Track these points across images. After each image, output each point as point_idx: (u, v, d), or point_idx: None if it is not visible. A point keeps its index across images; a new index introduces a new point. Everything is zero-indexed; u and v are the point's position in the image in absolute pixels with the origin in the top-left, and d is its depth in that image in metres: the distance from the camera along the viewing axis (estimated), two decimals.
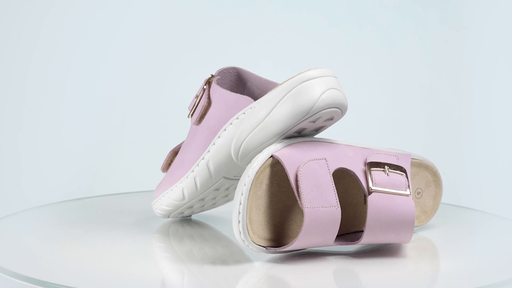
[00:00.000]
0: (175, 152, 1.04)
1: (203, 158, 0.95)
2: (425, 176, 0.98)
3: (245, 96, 0.94)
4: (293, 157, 0.88)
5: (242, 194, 0.87)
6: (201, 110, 0.99)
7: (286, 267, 0.87)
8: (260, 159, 0.89)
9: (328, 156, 0.90)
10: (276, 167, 0.89)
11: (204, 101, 0.98)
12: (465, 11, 1.56)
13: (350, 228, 0.94)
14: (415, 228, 0.97)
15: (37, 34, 1.51)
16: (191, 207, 1.01)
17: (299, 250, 0.90)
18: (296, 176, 0.87)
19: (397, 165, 0.91)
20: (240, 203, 0.87)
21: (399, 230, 0.88)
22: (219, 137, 0.94)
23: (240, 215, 0.87)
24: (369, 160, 0.90)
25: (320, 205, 0.87)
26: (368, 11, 1.56)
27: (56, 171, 1.52)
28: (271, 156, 0.89)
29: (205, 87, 0.99)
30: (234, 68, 1.03)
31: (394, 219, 0.88)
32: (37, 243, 0.96)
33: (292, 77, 0.91)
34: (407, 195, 0.89)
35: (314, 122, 0.91)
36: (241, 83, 1.02)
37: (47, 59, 1.51)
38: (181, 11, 1.54)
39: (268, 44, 1.55)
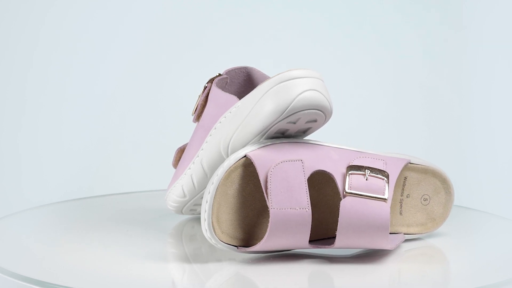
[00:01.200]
0: (182, 150, 1.04)
1: (198, 156, 0.96)
2: (433, 182, 0.96)
3: (232, 95, 0.95)
4: (267, 158, 0.88)
5: (209, 193, 0.88)
6: (198, 109, 0.99)
7: (260, 268, 0.87)
8: (232, 159, 0.89)
9: (307, 158, 0.89)
10: (251, 167, 0.89)
11: (201, 99, 0.99)
12: (465, 11, 1.55)
13: (331, 232, 0.93)
14: (422, 235, 0.96)
15: (37, 34, 1.51)
16: (197, 204, 1.01)
17: (277, 251, 0.90)
18: (266, 177, 0.87)
19: (379, 169, 0.89)
20: (207, 202, 0.88)
21: (373, 235, 0.87)
22: (211, 135, 0.95)
23: (206, 213, 0.88)
24: (351, 163, 0.89)
25: (289, 207, 0.86)
26: (368, 11, 1.56)
27: (56, 171, 1.52)
28: (245, 156, 0.89)
29: (206, 85, 1.00)
30: (245, 68, 1.03)
31: (367, 224, 0.87)
32: (37, 243, 0.96)
33: (274, 76, 0.91)
34: (383, 200, 0.87)
35: (294, 123, 0.90)
36: (250, 83, 1.02)
37: (47, 59, 1.51)
38: (181, 11, 1.54)
39: (268, 44, 1.55)
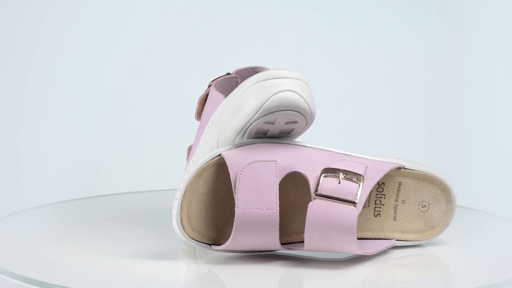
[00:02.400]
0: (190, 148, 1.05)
1: (196, 154, 0.97)
2: (432, 189, 0.94)
3: (220, 94, 0.95)
4: (241, 157, 0.88)
5: (179, 190, 0.88)
6: (198, 107, 1.00)
7: (233, 267, 0.87)
8: (206, 157, 0.89)
9: (284, 159, 0.89)
10: (226, 166, 0.89)
11: (200, 98, 1.00)
12: (465, 11, 1.55)
13: None
14: (420, 242, 0.95)
15: (37, 34, 1.51)
16: None
17: (252, 251, 0.90)
18: (237, 176, 0.87)
19: (355, 173, 0.88)
20: (176, 199, 0.88)
21: (340, 238, 0.86)
22: (205, 133, 0.96)
23: (175, 210, 0.88)
24: (328, 166, 0.89)
25: (255, 207, 0.86)
26: (368, 11, 1.56)
27: (56, 171, 1.52)
28: (220, 155, 0.89)
29: (210, 83, 1.00)
30: (256, 68, 1.03)
31: (333, 227, 0.86)
32: (37, 243, 0.96)
33: (256, 74, 0.91)
34: (352, 204, 0.86)
35: (273, 123, 0.90)
36: None
37: (47, 59, 1.51)
38: (181, 11, 1.54)
39: (268, 44, 1.55)
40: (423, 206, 0.95)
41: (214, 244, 0.90)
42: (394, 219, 0.94)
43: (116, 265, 0.88)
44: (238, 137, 0.91)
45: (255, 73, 1.01)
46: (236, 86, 1.00)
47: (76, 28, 1.52)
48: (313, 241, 0.86)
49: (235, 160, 0.88)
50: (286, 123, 0.90)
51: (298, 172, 0.88)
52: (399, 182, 0.94)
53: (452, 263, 0.92)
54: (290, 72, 0.90)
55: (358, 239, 0.93)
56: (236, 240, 0.87)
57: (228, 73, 1.02)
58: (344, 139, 1.55)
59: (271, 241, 0.87)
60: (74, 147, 1.52)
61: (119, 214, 1.08)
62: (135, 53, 1.54)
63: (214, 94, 0.97)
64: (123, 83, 1.54)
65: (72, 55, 1.52)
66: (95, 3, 1.52)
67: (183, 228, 0.89)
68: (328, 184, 0.87)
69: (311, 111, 0.90)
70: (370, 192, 0.92)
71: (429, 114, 1.57)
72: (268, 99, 0.88)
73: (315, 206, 0.86)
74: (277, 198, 0.86)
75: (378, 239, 0.94)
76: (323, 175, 0.88)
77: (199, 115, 1.01)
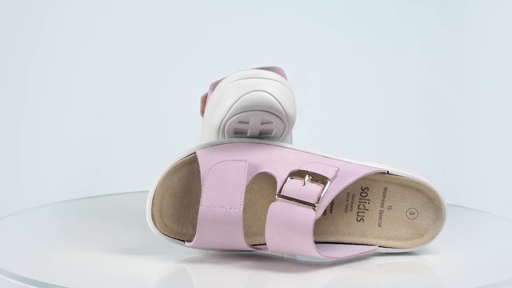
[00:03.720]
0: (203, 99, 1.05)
1: None
2: (420, 196, 0.92)
3: (211, 91, 0.96)
4: (213, 156, 0.88)
5: (152, 186, 0.89)
6: (201, 104, 1.01)
7: (205, 266, 0.88)
8: (181, 155, 0.90)
9: (257, 159, 0.89)
10: None
11: (203, 96, 1.00)
12: (465, 11, 1.55)
13: None
14: (408, 249, 0.93)
15: (37, 34, 1.50)
16: None
17: (226, 250, 0.90)
18: (205, 174, 0.88)
19: (322, 176, 0.87)
20: (149, 195, 0.89)
21: (298, 241, 0.85)
22: (201, 131, 0.97)
23: (147, 205, 0.89)
24: (296, 168, 0.88)
25: (220, 205, 0.86)
26: (368, 11, 1.56)
27: (56, 171, 1.52)
28: (195, 152, 0.90)
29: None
30: (269, 68, 1.02)
31: (290, 229, 0.85)
32: (37, 243, 0.96)
33: (236, 72, 0.91)
34: (312, 207, 0.86)
35: (248, 123, 0.90)
36: None
37: (47, 59, 1.51)
38: (181, 11, 1.54)
39: (268, 44, 1.55)
40: (411, 213, 0.92)
41: (188, 241, 0.90)
42: (379, 225, 0.92)
43: (116, 265, 0.88)
44: (220, 135, 0.91)
45: None
46: None
47: (76, 28, 1.52)
48: (273, 242, 0.86)
49: (207, 158, 0.88)
50: (262, 124, 0.90)
51: (268, 172, 0.88)
52: (384, 188, 0.92)
53: (452, 262, 0.92)
54: (269, 73, 0.90)
55: (336, 243, 0.92)
56: (201, 237, 0.87)
57: None
58: (344, 139, 1.55)
59: (237, 240, 0.87)
60: (74, 147, 1.52)
61: (119, 214, 1.08)
62: (135, 53, 1.54)
63: (209, 92, 0.98)
64: (123, 83, 1.54)
65: (72, 55, 1.52)
66: (95, 3, 1.52)
67: (154, 223, 0.90)
68: (292, 186, 0.86)
69: (285, 112, 0.89)
70: (353, 197, 0.92)
71: (429, 114, 1.57)
72: (239, 98, 0.88)
73: (275, 207, 0.86)
74: (242, 198, 0.86)
75: (359, 244, 0.92)
76: (290, 177, 0.87)
77: (202, 113, 1.01)
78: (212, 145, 0.90)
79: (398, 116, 1.57)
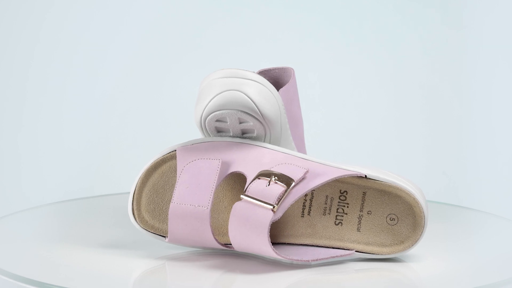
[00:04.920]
0: None
1: None
2: (399, 203, 0.90)
3: None
4: (191, 154, 0.89)
5: (134, 181, 0.91)
6: None
7: (182, 264, 0.88)
8: (163, 151, 0.91)
9: (232, 159, 0.89)
10: None
11: None
12: (465, 11, 1.55)
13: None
14: (389, 255, 0.90)
15: (37, 34, 1.51)
16: None
17: (207, 248, 0.90)
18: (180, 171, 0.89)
19: (287, 177, 0.87)
20: (131, 191, 0.91)
21: (257, 241, 0.85)
22: None
23: (129, 201, 0.91)
24: (266, 169, 0.88)
25: (188, 203, 0.87)
26: (368, 11, 1.56)
27: (56, 171, 1.52)
28: (176, 150, 0.91)
29: None
30: (283, 68, 1.02)
31: (249, 229, 0.85)
32: (37, 243, 0.96)
33: (222, 69, 0.91)
34: (271, 207, 0.85)
35: (226, 122, 0.90)
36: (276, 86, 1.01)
37: (47, 59, 1.51)
38: (181, 11, 1.54)
39: (268, 45, 1.55)
40: (391, 219, 0.90)
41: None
42: (358, 230, 0.91)
43: (116, 265, 0.88)
44: (204, 132, 0.92)
45: (274, 77, 1.01)
46: None
47: (76, 28, 1.52)
48: (236, 242, 0.87)
49: (185, 156, 0.89)
50: (240, 123, 0.90)
51: (240, 172, 0.89)
52: (363, 192, 0.90)
53: (451, 262, 0.92)
54: (252, 74, 0.90)
55: (310, 245, 0.91)
56: (173, 234, 0.88)
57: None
58: (344, 139, 1.55)
59: (207, 238, 0.88)
60: (74, 147, 1.52)
61: (119, 214, 1.08)
62: (135, 53, 1.54)
63: None
64: (123, 83, 1.54)
65: (72, 55, 1.52)
66: (95, 3, 1.52)
67: (135, 218, 0.91)
68: (257, 186, 0.86)
69: (261, 113, 0.89)
70: (331, 200, 0.90)
71: (429, 114, 1.57)
72: (214, 96, 0.89)
73: (238, 207, 0.86)
74: (211, 196, 0.87)
75: (336, 248, 0.91)
76: (258, 177, 0.87)
77: None
78: (193, 143, 0.91)
79: (398, 116, 1.57)
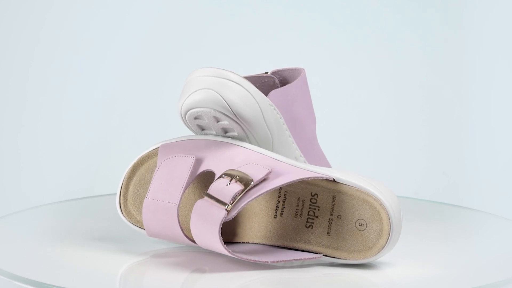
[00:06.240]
0: None
1: None
2: (368, 208, 0.87)
3: None
4: (171, 150, 0.90)
5: (122, 176, 0.93)
6: None
7: (164, 259, 0.90)
8: (150, 147, 0.92)
9: (207, 157, 0.90)
10: None
11: None
12: (465, 11, 1.56)
13: (246, 236, 0.93)
14: (357, 261, 0.88)
15: (37, 34, 1.51)
16: None
17: (185, 244, 0.91)
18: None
19: (246, 178, 0.86)
20: (118, 186, 0.93)
21: (211, 239, 0.86)
22: None
23: (116, 195, 0.93)
24: (236, 168, 0.88)
25: (160, 199, 0.88)
26: (368, 11, 1.56)
27: (56, 171, 1.52)
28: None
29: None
30: (296, 69, 1.01)
31: (205, 227, 0.86)
32: (37, 243, 0.96)
33: (210, 68, 0.91)
34: (223, 207, 0.85)
35: (205, 120, 0.90)
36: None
37: (47, 59, 1.51)
38: (181, 11, 1.54)
39: (268, 44, 1.55)
40: (360, 224, 0.88)
41: None
42: (328, 234, 0.89)
43: (116, 265, 0.88)
44: (188, 128, 0.92)
45: (283, 77, 1.01)
46: (272, 86, 0.99)
47: (76, 28, 1.52)
48: (197, 239, 0.87)
49: (165, 152, 0.91)
50: (217, 122, 0.90)
51: (211, 170, 0.89)
52: (333, 196, 0.88)
53: (451, 262, 0.92)
54: (233, 75, 0.90)
55: (279, 247, 0.91)
56: (149, 229, 0.89)
57: (266, 72, 1.01)
58: (344, 139, 1.56)
59: (177, 234, 0.88)
60: (74, 146, 1.52)
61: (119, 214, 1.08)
62: (136, 53, 1.54)
63: None
64: (123, 83, 1.54)
65: (72, 55, 1.52)
66: (96, 3, 1.52)
67: (122, 212, 0.93)
68: (218, 185, 0.87)
69: (235, 113, 0.89)
70: (303, 202, 0.89)
71: (429, 114, 1.57)
72: (191, 94, 0.90)
73: (198, 205, 0.87)
74: (181, 193, 0.88)
75: (304, 251, 0.89)
76: (221, 176, 0.87)
77: None
78: (176, 140, 0.92)
79: (398, 116, 1.58)
